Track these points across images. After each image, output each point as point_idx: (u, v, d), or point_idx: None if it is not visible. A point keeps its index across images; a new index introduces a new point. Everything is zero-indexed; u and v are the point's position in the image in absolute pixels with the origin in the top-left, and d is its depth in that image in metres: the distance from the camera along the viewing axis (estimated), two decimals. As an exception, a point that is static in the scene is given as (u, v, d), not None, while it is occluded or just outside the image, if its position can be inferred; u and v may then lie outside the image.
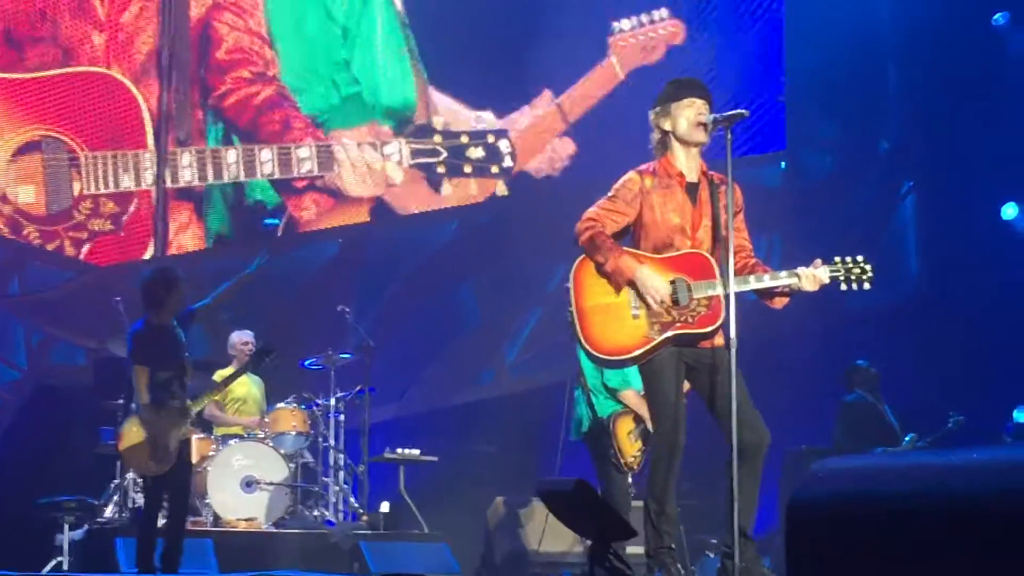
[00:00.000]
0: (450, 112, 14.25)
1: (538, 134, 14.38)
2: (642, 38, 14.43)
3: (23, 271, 13.39)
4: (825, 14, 13.99)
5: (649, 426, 8.79)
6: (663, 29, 14.47)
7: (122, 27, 13.67)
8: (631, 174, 6.43)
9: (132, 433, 8.77)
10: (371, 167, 14.11)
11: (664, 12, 14.51)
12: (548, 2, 13.98)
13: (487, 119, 14.25)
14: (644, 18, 14.49)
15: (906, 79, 14.06)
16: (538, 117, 14.32)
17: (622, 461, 8.82)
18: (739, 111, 6.27)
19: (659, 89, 6.54)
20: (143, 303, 8.85)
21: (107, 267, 13.37)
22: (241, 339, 11.72)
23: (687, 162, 6.41)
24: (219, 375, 11.18)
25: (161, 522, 8.88)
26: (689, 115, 6.36)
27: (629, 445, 8.85)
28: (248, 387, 11.70)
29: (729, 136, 6.24)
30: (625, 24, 14.47)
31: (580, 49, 14.38)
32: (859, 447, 11.13)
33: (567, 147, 14.39)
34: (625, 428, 8.89)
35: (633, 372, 8.67)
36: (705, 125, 6.33)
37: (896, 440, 11.58)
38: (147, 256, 13.50)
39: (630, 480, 9.03)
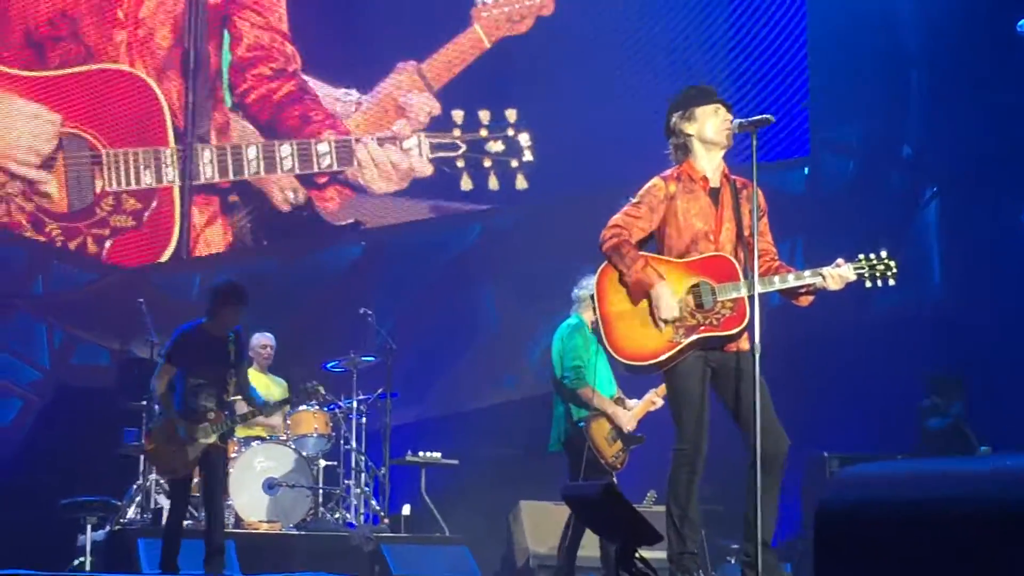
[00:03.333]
0: (318, 91, 14.26)
1: (398, 99, 14.37)
2: (507, 9, 14.43)
3: (47, 271, 13.44)
4: (847, 19, 13.97)
5: (623, 427, 8.89)
6: (529, 0, 14.48)
7: (142, 23, 13.72)
8: (655, 180, 6.43)
9: (157, 434, 8.93)
10: (396, 165, 14.13)
11: None
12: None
13: (353, 95, 14.25)
14: None
15: (929, 84, 14.03)
16: (399, 83, 14.29)
17: (604, 463, 8.87)
18: (765, 116, 6.27)
19: (678, 95, 6.54)
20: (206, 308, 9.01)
21: (131, 269, 13.41)
22: (261, 341, 11.71)
23: (710, 167, 6.41)
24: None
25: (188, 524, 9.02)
26: (715, 120, 6.37)
27: (608, 446, 8.90)
28: (269, 388, 11.70)
29: (755, 141, 6.24)
30: None
31: (441, 21, 14.42)
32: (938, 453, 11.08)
33: (425, 104, 14.34)
34: (601, 431, 8.94)
35: (589, 369, 8.77)
36: (729, 130, 6.34)
37: (973, 449, 11.50)
38: (169, 251, 13.53)
39: (614, 480, 9.06)
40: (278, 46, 14.10)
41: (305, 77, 14.22)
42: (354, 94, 14.27)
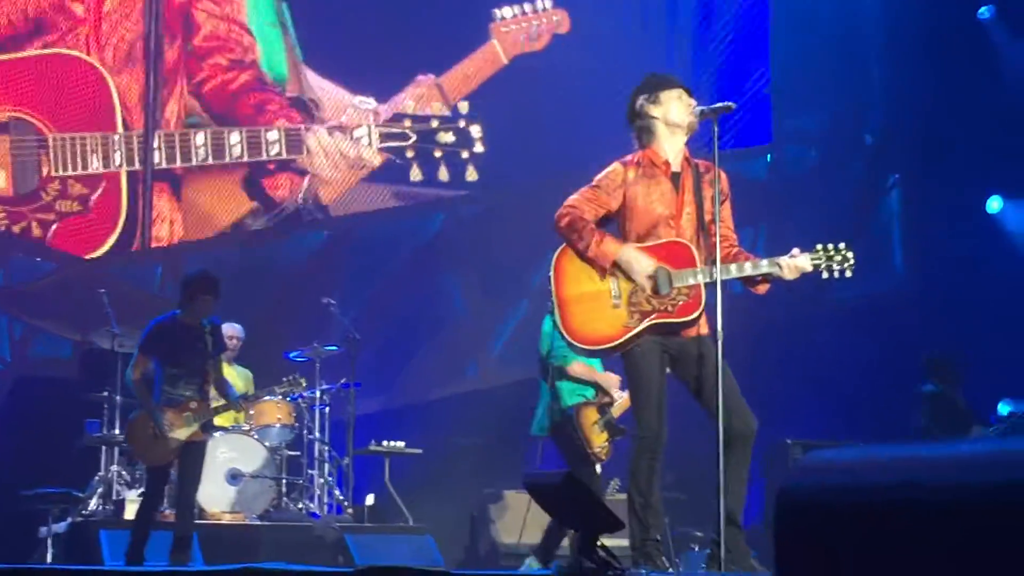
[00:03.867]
0: (327, 95, 14.25)
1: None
2: (525, 25, 14.47)
3: (7, 263, 13.34)
4: (809, 6, 13.99)
5: (609, 390, 8.89)
6: (547, 18, 14.52)
7: (105, 16, 13.64)
8: (615, 165, 6.44)
9: (137, 425, 9.05)
10: (344, 153, 14.10)
11: (547, 1, 14.56)
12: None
13: (368, 103, 14.26)
14: (527, 7, 14.54)
15: (890, 72, 14.06)
16: (419, 96, 14.30)
17: (589, 451, 8.87)
18: (726, 103, 6.29)
19: (643, 80, 6.54)
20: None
21: (91, 259, 13.33)
22: (228, 332, 11.63)
23: (672, 150, 6.41)
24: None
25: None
26: (679, 103, 6.37)
27: (595, 436, 8.91)
28: (233, 378, 11.64)
29: (716, 128, 6.25)
30: (507, 12, 14.53)
31: (461, 35, 14.45)
32: (942, 436, 11.06)
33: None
34: (590, 419, 8.95)
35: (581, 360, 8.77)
36: (694, 114, 6.35)
37: (969, 429, 11.49)
38: (113, 238, 13.44)
39: (598, 469, 9.08)
40: (235, 36, 14.05)
41: (318, 76, 14.19)
42: (371, 102, 14.24)
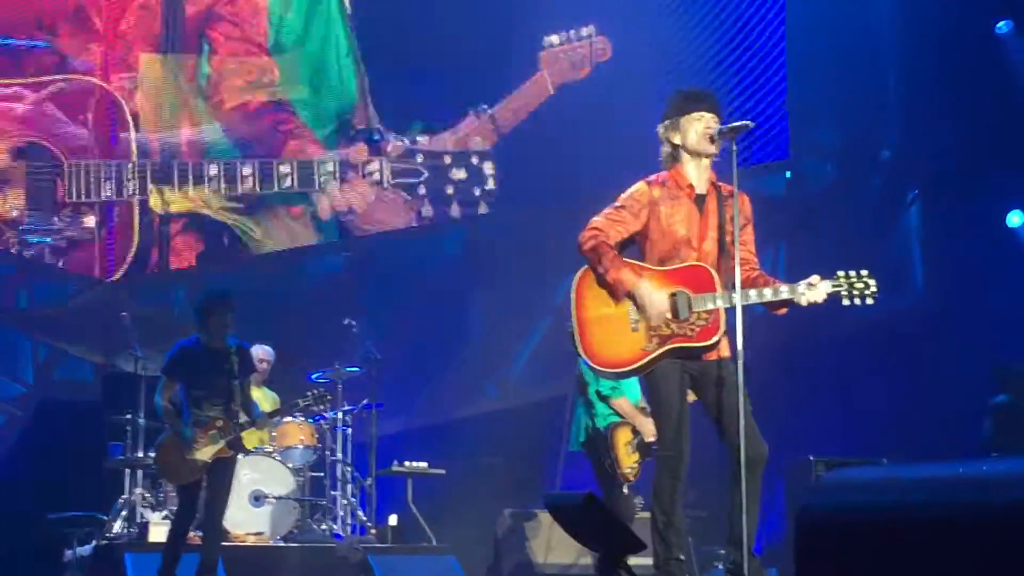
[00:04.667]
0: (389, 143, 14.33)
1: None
2: (571, 53, 14.50)
3: (29, 286, 13.41)
4: (825, 21, 13.98)
5: (645, 437, 8.87)
6: (591, 45, 14.53)
7: (121, 36, 13.72)
8: (639, 184, 6.44)
9: (166, 446, 9.15)
10: (352, 186, 14.16)
11: (591, 28, 14.58)
12: (481, 15, 14.01)
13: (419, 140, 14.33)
14: (572, 33, 14.56)
15: (907, 86, 14.04)
16: (471, 128, 14.33)
17: (619, 471, 8.87)
18: (744, 123, 6.28)
19: (667, 101, 6.54)
20: None
21: (114, 282, 13.39)
22: (258, 355, 11.63)
23: (697, 174, 6.41)
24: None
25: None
26: (698, 128, 6.36)
27: (627, 456, 8.90)
28: (262, 401, 11.60)
29: (734, 148, 6.25)
30: (555, 39, 14.54)
31: (512, 64, 14.45)
32: (1012, 448, 11.00)
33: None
34: (623, 439, 8.94)
35: (627, 381, 8.74)
36: (714, 138, 6.34)
37: None
38: (125, 266, 13.51)
39: (625, 490, 9.06)
40: (254, 58, 14.11)
41: (386, 135, 14.26)
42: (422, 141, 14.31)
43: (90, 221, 13.51)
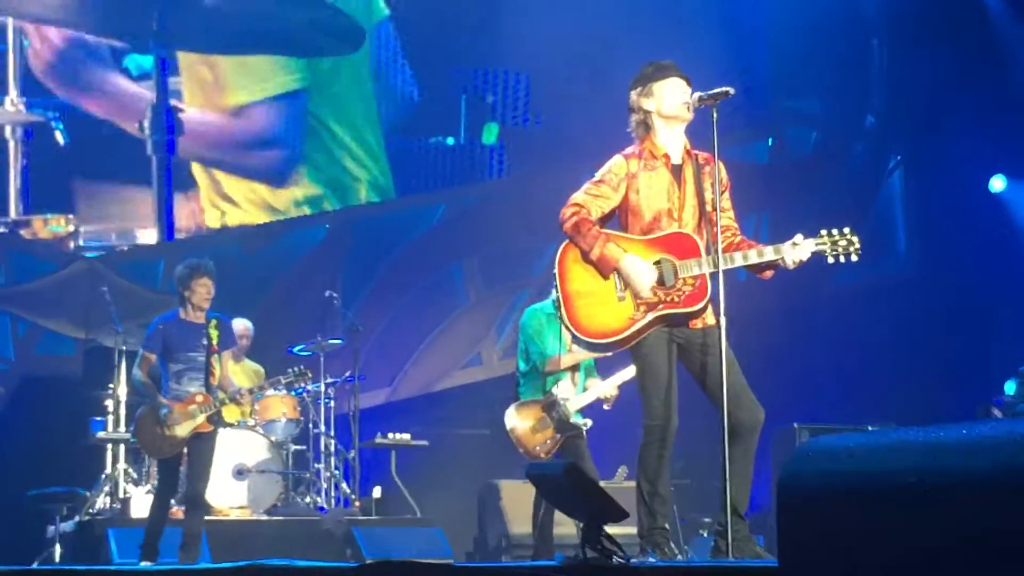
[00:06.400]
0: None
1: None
2: None
3: (7, 261, 13.32)
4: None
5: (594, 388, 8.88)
6: None
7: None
8: (617, 158, 6.40)
9: (144, 416, 9.08)
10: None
11: None
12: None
13: None
14: None
15: (890, 52, 14.02)
16: None
17: (521, 451, 8.88)
18: (724, 89, 6.23)
19: (639, 71, 6.49)
20: None
21: (93, 257, 13.32)
22: (240, 328, 11.57)
23: (671, 142, 6.36)
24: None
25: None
26: (673, 94, 6.32)
27: (530, 435, 8.88)
28: (245, 373, 11.56)
29: (715, 114, 6.21)
30: None
31: None
32: None
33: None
34: (528, 418, 8.91)
35: (550, 342, 8.77)
36: (688, 104, 6.29)
37: None
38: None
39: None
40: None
41: None
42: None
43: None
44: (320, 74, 14.33)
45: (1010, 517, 2.47)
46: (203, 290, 8.99)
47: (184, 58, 13.92)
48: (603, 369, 9.13)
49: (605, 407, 9.08)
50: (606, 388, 9.00)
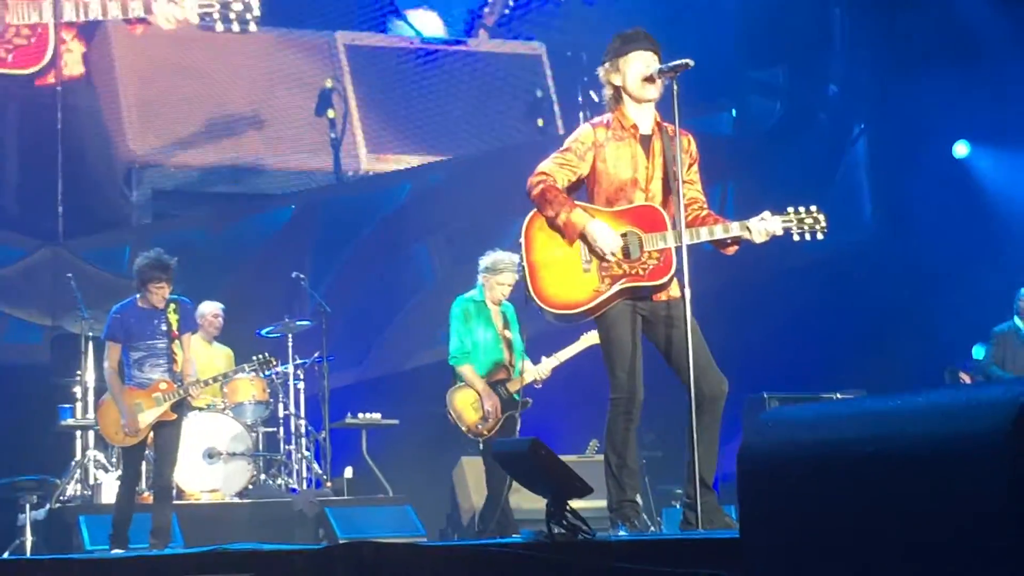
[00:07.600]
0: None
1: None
2: None
3: (-28, 250, 13.25)
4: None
5: (482, 407, 9.07)
6: None
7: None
8: (584, 127, 6.41)
9: (106, 404, 9.11)
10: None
11: None
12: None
13: None
14: None
15: (851, 21, 14.03)
16: None
17: (463, 429, 9.08)
18: (683, 61, 6.21)
19: (607, 43, 6.48)
20: None
21: (60, 244, 13.23)
22: (212, 310, 11.52)
23: (640, 115, 6.36)
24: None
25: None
26: (637, 69, 6.31)
27: (471, 413, 9.09)
28: (212, 359, 11.48)
29: (676, 87, 6.20)
30: None
31: None
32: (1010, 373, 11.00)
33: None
34: (468, 398, 9.11)
35: (478, 352, 8.98)
36: (651, 76, 6.27)
37: None
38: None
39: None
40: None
41: None
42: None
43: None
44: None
45: (964, 483, 2.49)
46: (158, 295, 8.94)
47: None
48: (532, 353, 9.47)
49: (536, 386, 9.43)
50: (542, 370, 9.38)
